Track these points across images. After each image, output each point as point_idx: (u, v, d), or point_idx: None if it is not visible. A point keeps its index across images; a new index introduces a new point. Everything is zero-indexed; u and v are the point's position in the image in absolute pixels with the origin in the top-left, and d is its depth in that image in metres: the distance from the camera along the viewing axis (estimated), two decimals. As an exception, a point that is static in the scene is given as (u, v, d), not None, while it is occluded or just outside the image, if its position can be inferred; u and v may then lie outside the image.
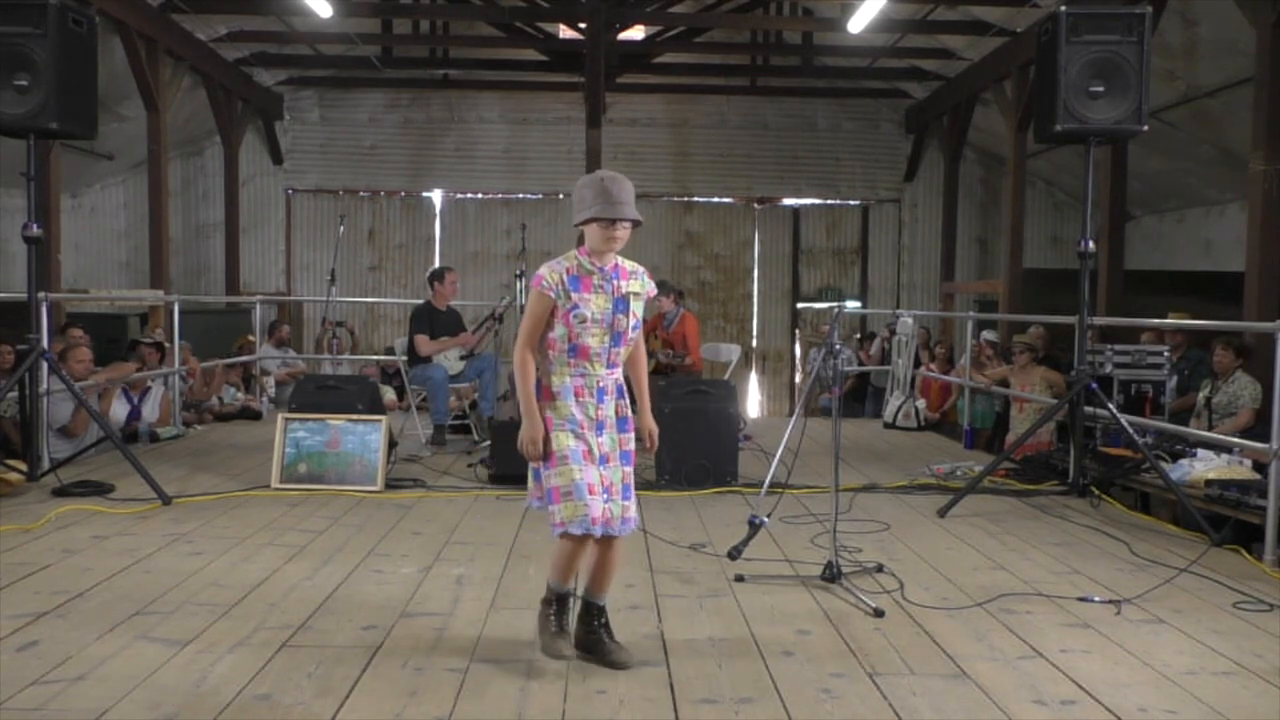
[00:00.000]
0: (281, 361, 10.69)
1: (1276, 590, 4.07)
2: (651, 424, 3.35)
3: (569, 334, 3.08)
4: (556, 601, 3.20)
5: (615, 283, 3.14)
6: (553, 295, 3.07)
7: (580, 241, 3.23)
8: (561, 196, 15.01)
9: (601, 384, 3.14)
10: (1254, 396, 6.80)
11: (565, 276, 3.10)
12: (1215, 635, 3.53)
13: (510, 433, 6.10)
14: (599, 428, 3.15)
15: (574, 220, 3.13)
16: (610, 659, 3.16)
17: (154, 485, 5.41)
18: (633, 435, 3.25)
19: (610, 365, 3.16)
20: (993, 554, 4.64)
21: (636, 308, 3.19)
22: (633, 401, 3.32)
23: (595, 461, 3.12)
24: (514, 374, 3.16)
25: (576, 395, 3.12)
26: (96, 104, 5.93)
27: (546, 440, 3.09)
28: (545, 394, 3.14)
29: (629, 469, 3.21)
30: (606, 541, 3.17)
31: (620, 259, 3.20)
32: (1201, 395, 7.16)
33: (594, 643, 3.21)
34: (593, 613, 3.25)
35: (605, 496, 3.11)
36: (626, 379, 3.31)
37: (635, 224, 3.11)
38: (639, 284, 3.21)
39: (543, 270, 3.11)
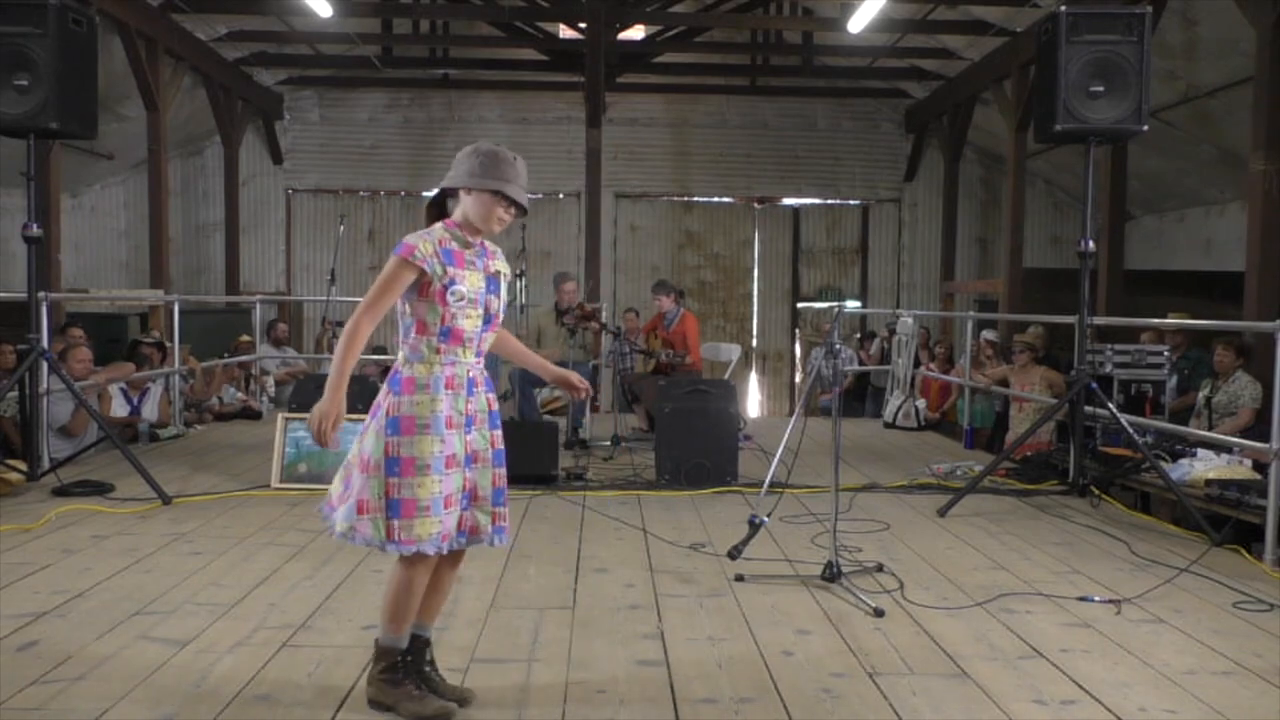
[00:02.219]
0: (281, 361, 10.68)
1: (1276, 590, 4.07)
2: (570, 373, 3.14)
3: (443, 315, 2.70)
4: (402, 661, 2.75)
5: (485, 260, 2.82)
6: (426, 268, 2.67)
7: (437, 215, 2.86)
8: (561, 196, 15.03)
9: (471, 374, 2.78)
10: (1254, 396, 6.80)
11: (439, 248, 2.71)
12: (1215, 635, 3.53)
13: (510, 432, 6.12)
14: (468, 423, 2.77)
15: (461, 183, 2.74)
16: (457, 697, 2.82)
17: (154, 485, 5.41)
18: (500, 433, 2.88)
19: (478, 353, 2.81)
20: (993, 554, 4.64)
21: (504, 289, 2.87)
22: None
23: (460, 464, 2.74)
24: (340, 341, 2.70)
25: (447, 386, 2.72)
26: (96, 104, 5.92)
27: (337, 424, 2.67)
28: (407, 386, 2.70)
29: (501, 470, 2.86)
30: (454, 556, 2.85)
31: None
32: (1201, 395, 7.16)
33: (428, 682, 2.82)
34: (419, 646, 2.84)
35: (465, 503, 2.77)
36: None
37: (522, 214, 2.82)
38: (503, 264, 2.90)
39: (412, 240, 2.70)
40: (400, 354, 2.77)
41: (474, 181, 2.73)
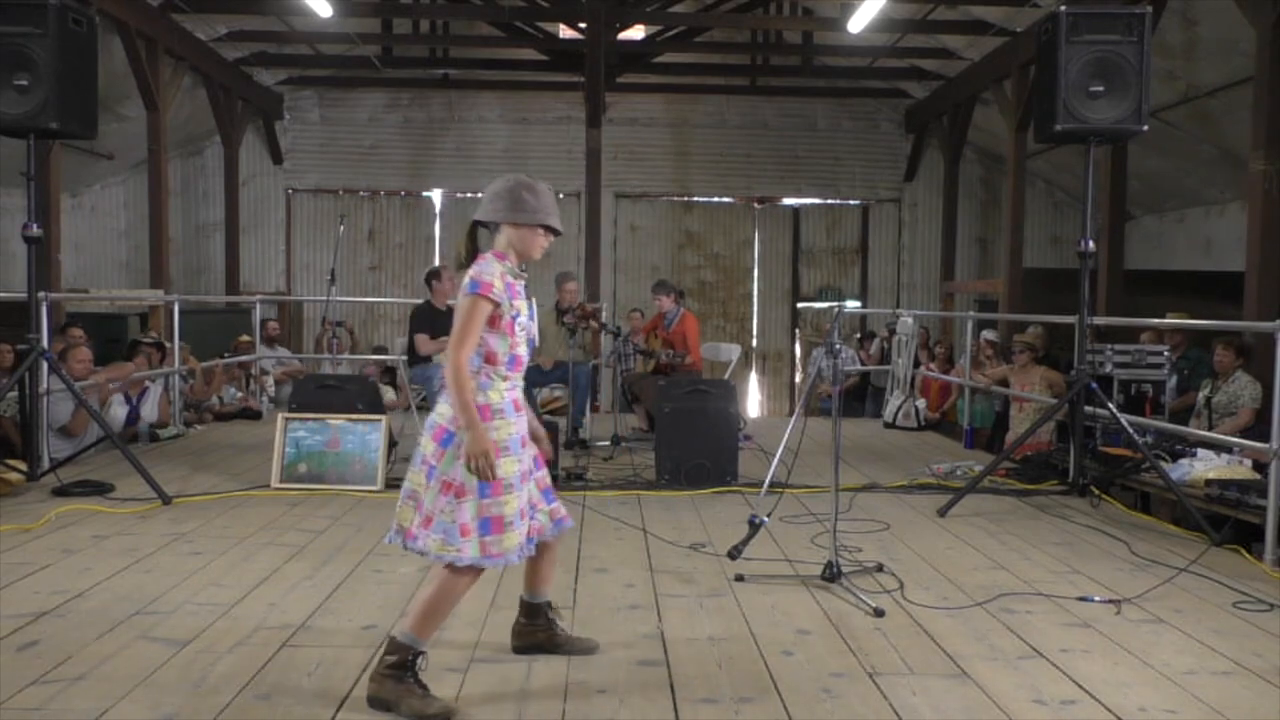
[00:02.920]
0: (276, 360, 10.66)
1: (1276, 590, 4.07)
2: (542, 432, 3.21)
3: (511, 344, 2.94)
4: (412, 663, 2.83)
5: (525, 288, 3.05)
6: (502, 303, 2.89)
7: (476, 248, 3.04)
8: (561, 196, 14.98)
9: (523, 394, 3.05)
10: (1254, 396, 6.80)
11: (503, 282, 2.91)
12: (1215, 635, 3.53)
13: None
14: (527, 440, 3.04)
15: (507, 218, 2.95)
16: (582, 648, 3.21)
17: (154, 485, 5.41)
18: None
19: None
20: (993, 554, 4.64)
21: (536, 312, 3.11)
22: (528, 379, 3.24)
23: (529, 478, 3.01)
24: (451, 387, 2.83)
25: (515, 410, 2.97)
26: (96, 104, 5.92)
27: (493, 454, 2.83)
28: (485, 414, 2.88)
29: (542, 473, 3.10)
30: (544, 545, 3.12)
31: None
32: (1201, 395, 7.16)
33: (557, 640, 3.23)
34: (543, 611, 3.24)
35: (532, 512, 3.02)
36: None
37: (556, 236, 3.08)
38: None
39: (487, 277, 2.87)
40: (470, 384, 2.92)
41: (520, 217, 2.96)
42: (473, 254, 3.01)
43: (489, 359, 2.92)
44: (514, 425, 2.94)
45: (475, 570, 2.88)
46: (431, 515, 2.87)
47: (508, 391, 2.95)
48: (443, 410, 2.91)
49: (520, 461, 2.94)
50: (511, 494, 2.89)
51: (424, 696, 2.79)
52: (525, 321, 2.97)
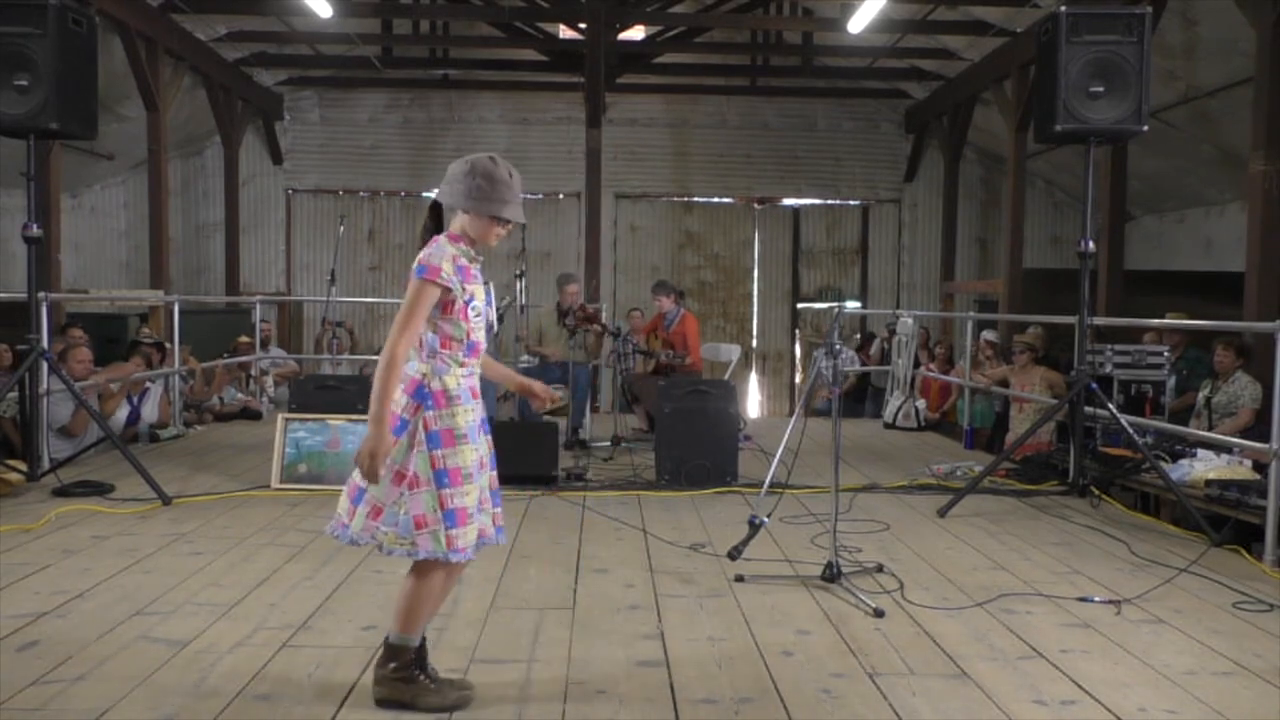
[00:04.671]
0: (270, 361, 10.63)
1: (1276, 590, 4.07)
2: (533, 382, 3.15)
3: (467, 330, 2.80)
4: (416, 659, 2.81)
5: (481, 272, 2.92)
6: (451, 287, 2.74)
7: (435, 221, 2.92)
8: (561, 196, 15.02)
9: (480, 383, 2.91)
10: (1254, 396, 6.79)
11: (454, 265, 2.77)
12: (1215, 635, 3.53)
13: (510, 432, 6.16)
14: (483, 429, 2.89)
15: (460, 204, 2.81)
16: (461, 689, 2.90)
17: (154, 485, 5.41)
18: (490, 436, 2.96)
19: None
20: (993, 554, 4.64)
21: (493, 296, 3.02)
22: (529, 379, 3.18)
23: (485, 469, 2.87)
24: (379, 370, 2.70)
25: (472, 396, 2.84)
26: (96, 104, 5.92)
27: (384, 457, 2.68)
28: (440, 400, 2.76)
29: (494, 473, 2.95)
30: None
31: None
32: (1201, 395, 7.16)
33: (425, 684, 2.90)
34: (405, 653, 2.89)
35: (477, 511, 2.85)
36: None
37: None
38: None
39: (433, 259, 2.73)
40: (422, 367, 2.78)
41: (473, 205, 2.80)
42: (431, 235, 2.88)
43: (444, 344, 2.79)
44: (472, 412, 2.81)
45: (444, 565, 2.76)
46: (381, 506, 2.74)
47: (464, 378, 2.82)
48: (396, 398, 2.75)
49: (478, 449, 2.81)
50: (471, 484, 2.77)
51: (438, 689, 2.81)
52: (480, 306, 2.84)
